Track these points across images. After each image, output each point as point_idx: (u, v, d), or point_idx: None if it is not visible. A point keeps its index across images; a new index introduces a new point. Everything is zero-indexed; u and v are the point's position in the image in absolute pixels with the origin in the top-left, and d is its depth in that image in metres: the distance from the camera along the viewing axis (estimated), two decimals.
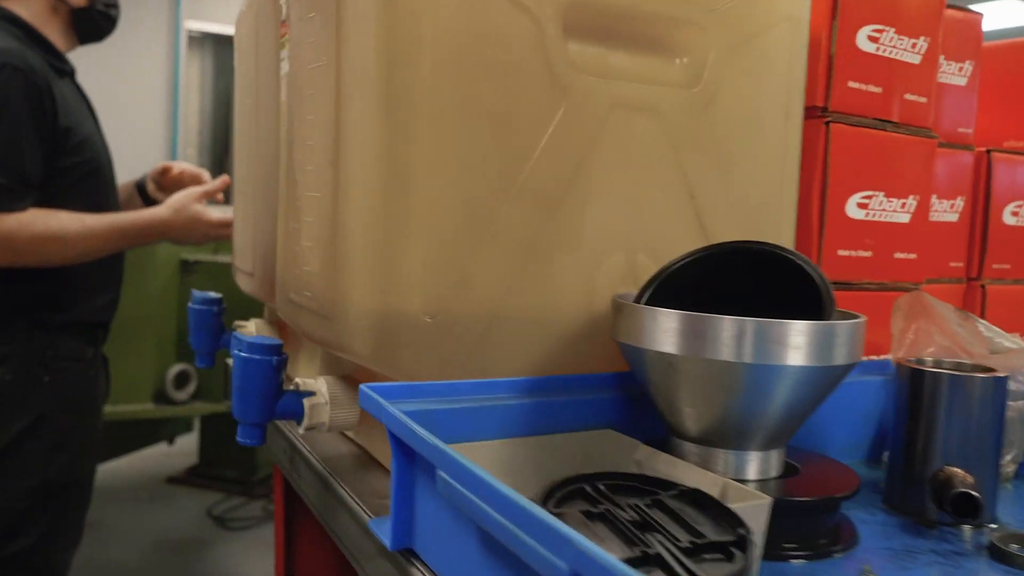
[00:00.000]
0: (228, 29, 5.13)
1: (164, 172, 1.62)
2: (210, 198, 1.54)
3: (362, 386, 0.53)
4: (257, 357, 0.63)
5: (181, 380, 1.92)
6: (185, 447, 2.89)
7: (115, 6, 1.49)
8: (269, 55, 0.86)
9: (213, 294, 0.93)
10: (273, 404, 0.64)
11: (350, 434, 0.76)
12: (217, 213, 1.51)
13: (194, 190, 1.48)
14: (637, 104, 0.64)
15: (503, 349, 0.60)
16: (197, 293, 0.91)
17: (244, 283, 0.96)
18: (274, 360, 0.64)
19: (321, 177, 0.63)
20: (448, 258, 0.58)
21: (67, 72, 1.45)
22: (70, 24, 1.44)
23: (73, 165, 1.37)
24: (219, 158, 5.39)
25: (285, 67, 0.75)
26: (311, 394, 0.66)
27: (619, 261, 0.64)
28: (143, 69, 4.83)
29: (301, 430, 0.66)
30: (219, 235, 1.49)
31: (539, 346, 0.62)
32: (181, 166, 1.63)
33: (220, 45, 5.28)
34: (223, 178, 1.57)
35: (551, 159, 0.61)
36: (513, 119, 0.59)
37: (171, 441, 2.56)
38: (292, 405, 0.66)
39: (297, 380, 0.68)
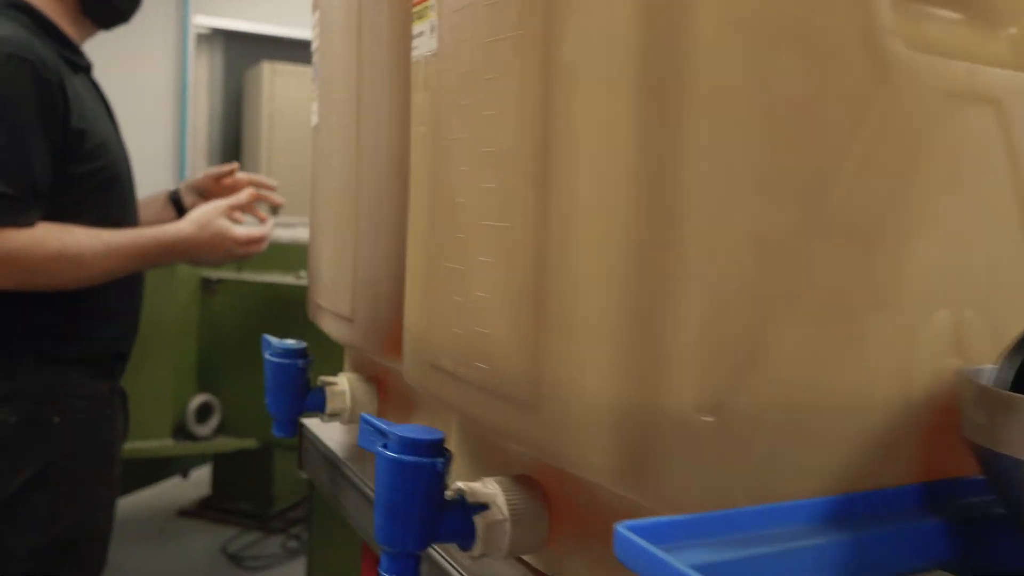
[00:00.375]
0: (240, 24, 4.92)
1: (218, 178, 1.43)
2: (247, 212, 1.37)
3: (619, 528, 0.33)
4: (415, 459, 0.44)
5: (203, 413, 1.72)
6: (196, 476, 2.69)
7: None
8: (380, 33, 0.66)
9: (295, 343, 0.72)
10: (435, 524, 0.44)
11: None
12: (243, 229, 1.33)
13: (220, 203, 1.30)
14: (974, 93, 0.44)
15: (798, 455, 0.41)
16: (275, 341, 0.72)
17: (334, 328, 0.76)
18: (439, 463, 0.44)
19: (510, 200, 0.44)
20: (733, 324, 0.38)
21: (82, 67, 1.28)
22: (81, 10, 1.26)
23: (87, 173, 1.19)
24: (230, 159, 5.19)
25: (422, 46, 0.56)
26: (482, 507, 0.46)
27: (943, 321, 0.45)
28: (148, 67, 4.61)
29: (473, 556, 0.46)
30: (246, 253, 1.32)
31: (843, 448, 0.42)
32: (246, 175, 1.45)
33: (231, 41, 5.05)
34: (249, 191, 1.37)
35: (867, 174, 0.41)
36: (822, 113, 0.40)
37: (185, 475, 2.36)
38: (459, 524, 0.46)
39: (459, 485, 0.47)
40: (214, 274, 1.75)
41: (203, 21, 4.78)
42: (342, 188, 0.75)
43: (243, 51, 4.99)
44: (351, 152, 0.72)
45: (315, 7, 0.87)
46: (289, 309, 1.70)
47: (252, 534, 2.49)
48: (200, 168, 4.96)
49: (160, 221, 1.39)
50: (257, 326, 1.76)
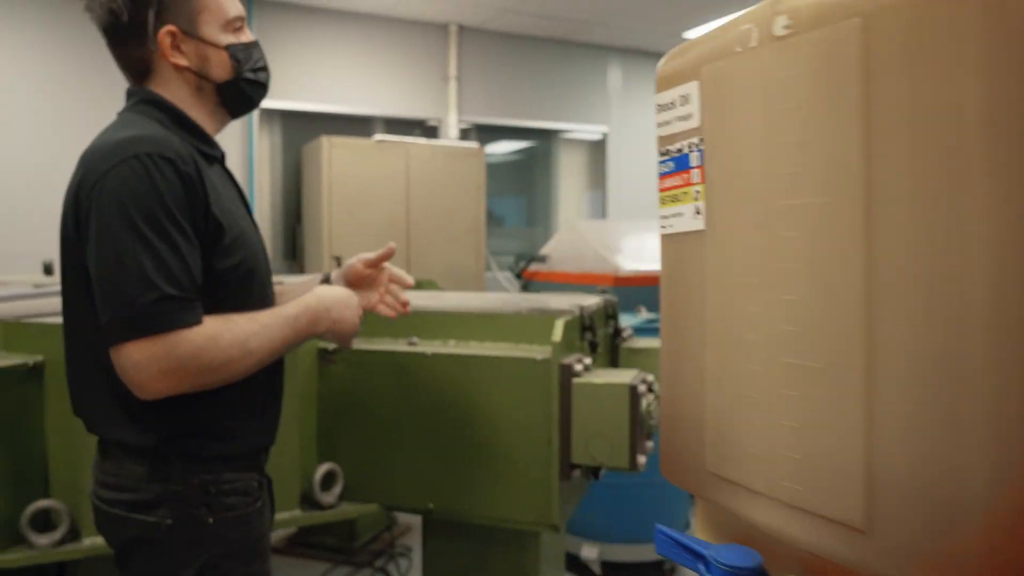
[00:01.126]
0: (295, 105, 5.19)
1: (375, 264, 1.48)
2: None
3: None
4: None
5: (328, 481, 1.76)
6: None
7: (264, 69, 1.34)
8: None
9: (744, 554, 0.53)
10: None
11: None
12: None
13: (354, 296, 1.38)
14: None
15: None
16: (722, 550, 0.54)
17: (789, 527, 0.55)
18: None
19: None
20: None
21: (217, 158, 1.31)
22: (217, 102, 1.30)
23: (227, 269, 1.19)
24: (291, 232, 5.36)
25: None
26: None
27: None
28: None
29: None
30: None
31: None
32: (391, 270, 1.51)
33: (289, 119, 5.32)
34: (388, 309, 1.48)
35: None
36: None
37: None
38: None
39: None
40: (329, 344, 1.82)
41: (265, 104, 5.03)
42: (816, 330, 0.59)
43: (300, 127, 5.24)
44: (853, 282, 0.55)
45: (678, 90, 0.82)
46: (402, 376, 1.76)
47: (343, 568, 2.53)
48: (265, 229, 5.13)
49: None
50: (372, 393, 1.83)
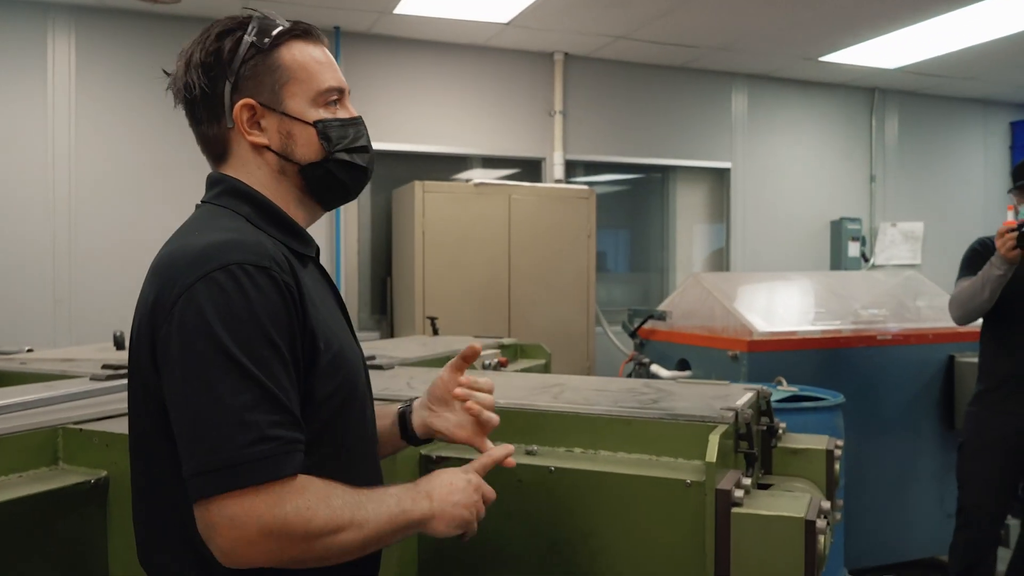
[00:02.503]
0: (384, 145, 5.17)
1: (457, 369, 1.34)
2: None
3: None
4: None
5: None
6: None
7: (363, 149, 1.20)
8: None
9: None
10: None
11: None
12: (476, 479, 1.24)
13: (464, 479, 1.20)
14: None
15: None
16: None
17: None
18: None
19: None
20: None
21: (311, 257, 1.19)
22: (303, 188, 1.17)
23: (328, 394, 1.08)
24: (380, 285, 5.32)
25: None
26: None
27: None
28: None
29: None
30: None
31: None
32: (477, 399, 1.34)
33: (377, 162, 5.30)
34: (493, 455, 1.31)
35: None
36: None
37: None
38: None
39: None
40: (434, 452, 1.67)
41: None
42: None
43: (390, 168, 5.23)
44: None
45: None
46: (519, 494, 1.58)
47: None
48: (352, 280, 5.11)
49: (384, 440, 1.34)
50: (484, 512, 1.65)
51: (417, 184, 4.57)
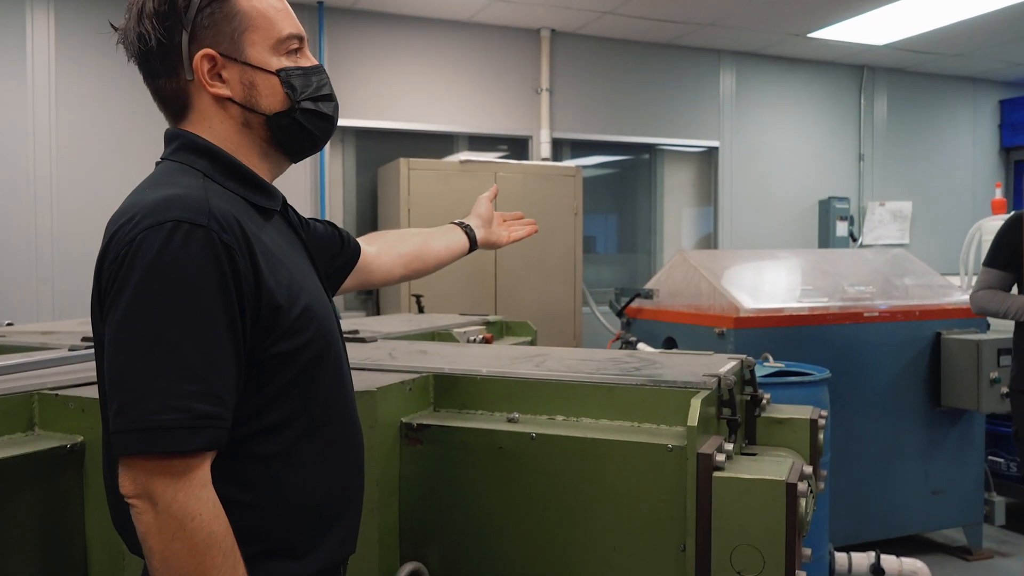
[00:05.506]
0: (368, 123, 5.14)
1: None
2: None
3: None
4: None
5: None
6: None
7: (327, 97, 1.18)
8: None
9: None
10: None
11: None
12: None
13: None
14: None
15: None
16: None
17: None
18: None
19: None
20: None
21: (275, 209, 1.17)
22: (268, 140, 1.15)
23: (293, 351, 1.06)
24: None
25: None
26: None
27: None
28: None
29: None
30: None
31: None
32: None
33: (361, 139, 5.28)
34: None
35: None
36: None
37: None
38: None
39: None
40: (415, 419, 1.67)
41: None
42: None
43: (375, 146, 5.21)
44: None
45: None
46: (501, 460, 1.58)
47: None
48: None
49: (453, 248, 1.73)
50: (465, 478, 1.65)
51: (403, 161, 4.55)
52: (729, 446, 1.51)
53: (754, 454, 1.77)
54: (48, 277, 4.50)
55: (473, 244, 1.82)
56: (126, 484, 0.96)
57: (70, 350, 1.94)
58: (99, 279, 1.02)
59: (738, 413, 1.71)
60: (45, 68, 4.49)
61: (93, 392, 1.50)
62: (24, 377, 1.58)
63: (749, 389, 1.94)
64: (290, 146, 1.18)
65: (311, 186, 5.04)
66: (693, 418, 1.46)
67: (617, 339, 4.24)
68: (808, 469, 1.53)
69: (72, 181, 4.55)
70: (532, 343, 3.36)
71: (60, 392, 1.50)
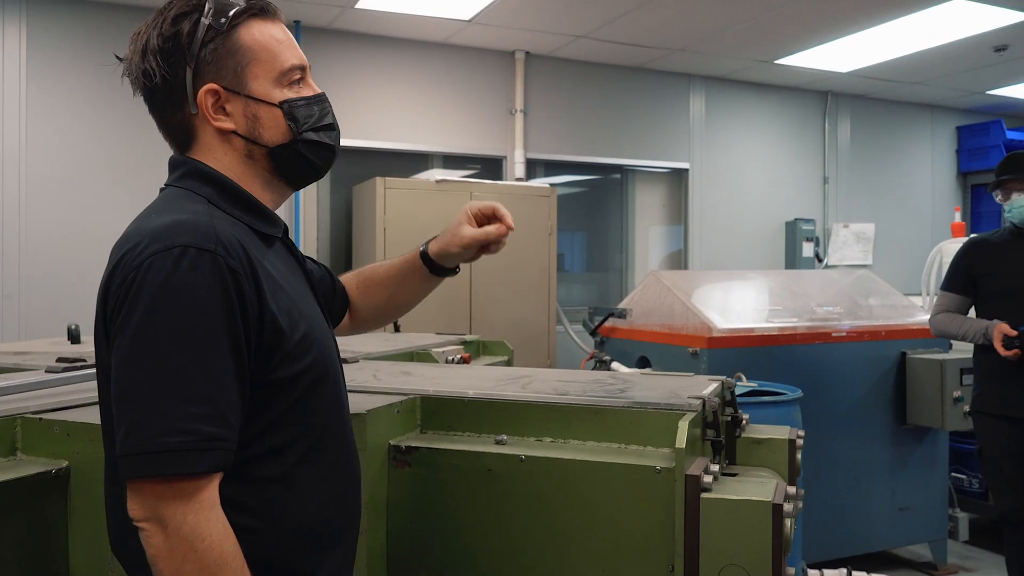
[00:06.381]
0: (344, 141, 5.12)
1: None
2: None
3: None
4: None
5: None
6: None
7: (330, 127, 1.19)
8: None
9: None
10: None
11: None
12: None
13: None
14: None
15: None
16: None
17: None
18: None
19: None
20: None
21: (276, 236, 1.18)
22: (271, 170, 1.16)
23: (294, 376, 1.07)
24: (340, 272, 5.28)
25: None
26: None
27: None
28: None
29: None
30: None
31: None
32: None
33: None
34: None
35: None
36: None
37: None
38: None
39: None
40: (403, 442, 1.65)
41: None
42: None
43: (350, 165, 5.19)
44: None
45: None
46: (490, 482, 1.57)
47: None
48: None
49: (408, 285, 1.48)
50: (453, 501, 1.64)
51: (379, 180, 4.54)
52: (715, 467, 1.53)
53: (735, 474, 1.78)
54: (14, 294, 4.41)
55: (426, 257, 1.48)
56: (135, 507, 0.95)
57: (47, 372, 1.90)
58: (105, 302, 1.02)
59: (721, 434, 1.72)
60: (15, 84, 4.41)
61: (79, 416, 1.47)
62: (3, 401, 1.54)
63: (729, 410, 1.96)
64: (292, 176, 1.19)
65: (286, 204, 5.00)
66: (681, 440, 1.47)
67: (591, 358, 4.25)
68: (792, 490, 1.55)
69: (39, 198, 4.46)
70: (509, 362, 3.36)
71: (44, 416, 1.46)
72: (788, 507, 1.45)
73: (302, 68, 1.17)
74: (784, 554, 1.48)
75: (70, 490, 1.42)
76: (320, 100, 1.19)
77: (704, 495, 1.45)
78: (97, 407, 1.55)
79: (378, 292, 1.54)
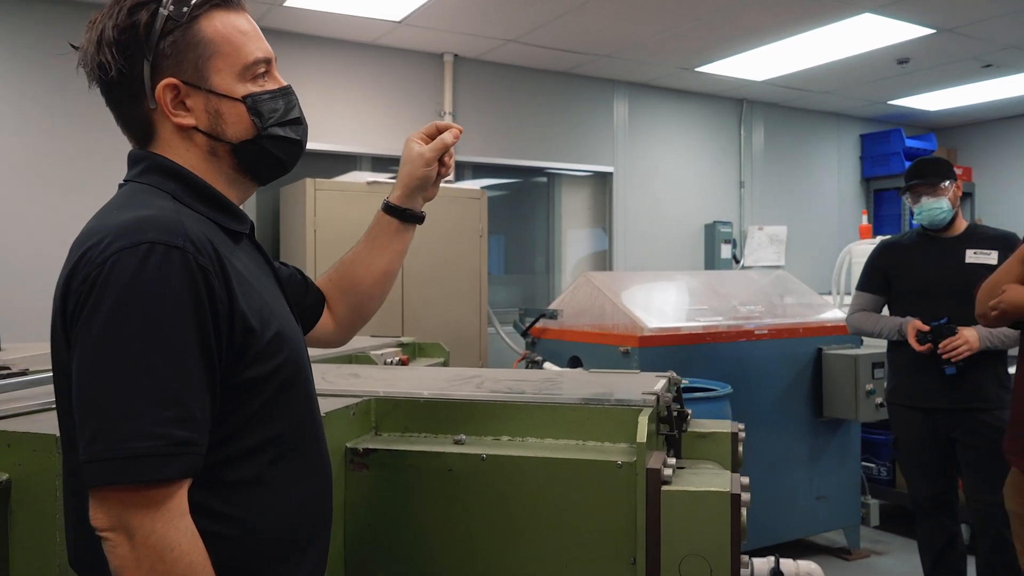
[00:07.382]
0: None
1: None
2: None
3: None
4: None
5: None
6: None
7: (296, 121, 1.15)
8: None
9: None
10: None
11: None
12: None
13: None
14: None
15: None
16: None
17: None
18: None
19: None
20: None
21: (244, 232, 1.13)
22: (236, 167, 1.11)
23: (265, 376, 1.03)
24: None
25: None
26: None
27: None
28: None
29: None
30: None
31: None
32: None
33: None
34: None
35: None
36: None
37: None
38: None
39: None
40: (361, 444, 1.61)
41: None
42: None
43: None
44: None
45: None
46: (449, 483, 1.55)
47: None
48: None
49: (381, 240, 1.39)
50: (412, 503, 1.60)
51: (309, 182, 4.43)
52: (672, 461, 1.54)
53: (683, 467, 1.80)
54: None
55: (390, 209, 1.44)
56: (99, 516, 0.89)
57: None
58: (64, 301, 0.95)
59: (675, 429, 1.74)
60: None
61: (20, 425, 1.38)
62: None
63: (676, 405, 1.99)
64: (258, 172, 1.15)
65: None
66: (642, 435, 1.48)
67: (523, 359, 4.25)
68: (745, 480, 1.58)
69: None
70: (446, 364, 3.33)
71: None
72: (746, 496, 1.48)
73: (267, 61, 1.13)
74: (740, 542, 1.50)
75: (10, 504, 1.32)
76: (286, 93, 1.15)
77: (665, 488, 1.46)
78: (38, 415, 1.46)
79: (356, 269, 1.45)
